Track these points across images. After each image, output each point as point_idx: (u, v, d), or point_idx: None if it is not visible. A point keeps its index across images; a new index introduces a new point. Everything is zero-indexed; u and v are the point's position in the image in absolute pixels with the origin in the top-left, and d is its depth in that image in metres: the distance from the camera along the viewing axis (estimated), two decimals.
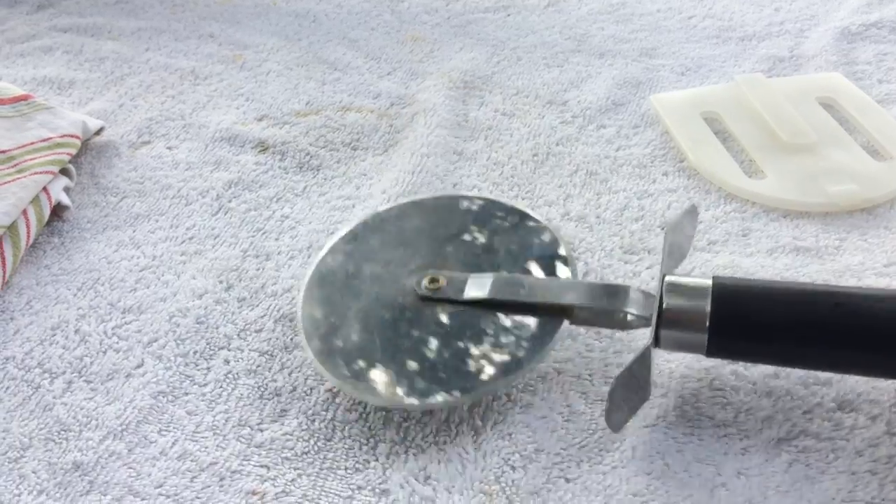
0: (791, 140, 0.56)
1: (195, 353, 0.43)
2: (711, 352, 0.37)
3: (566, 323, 0.40)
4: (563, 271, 0.43)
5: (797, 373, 0.40)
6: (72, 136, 0.56)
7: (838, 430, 0.37)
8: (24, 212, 0.49)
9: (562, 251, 0.44)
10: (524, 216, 0.47)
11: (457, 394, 0.38)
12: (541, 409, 0.39)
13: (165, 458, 0.38)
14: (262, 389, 0.41)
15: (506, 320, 0.40)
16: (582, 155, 0.57)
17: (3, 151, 0.53)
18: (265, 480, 0.37)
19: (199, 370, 0.42)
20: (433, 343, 0.40)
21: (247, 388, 0.41)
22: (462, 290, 0.42)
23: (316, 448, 0.38)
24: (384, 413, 0.39)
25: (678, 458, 0.37)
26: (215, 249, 0.50)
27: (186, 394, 0.41)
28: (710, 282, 0.37)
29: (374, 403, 0.39)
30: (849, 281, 0.45)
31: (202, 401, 0.40)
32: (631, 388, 0.36)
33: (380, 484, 0.36)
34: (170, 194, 0.55)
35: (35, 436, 0.39)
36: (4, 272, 0.47)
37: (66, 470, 0.37)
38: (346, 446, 0.38)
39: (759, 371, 0.40)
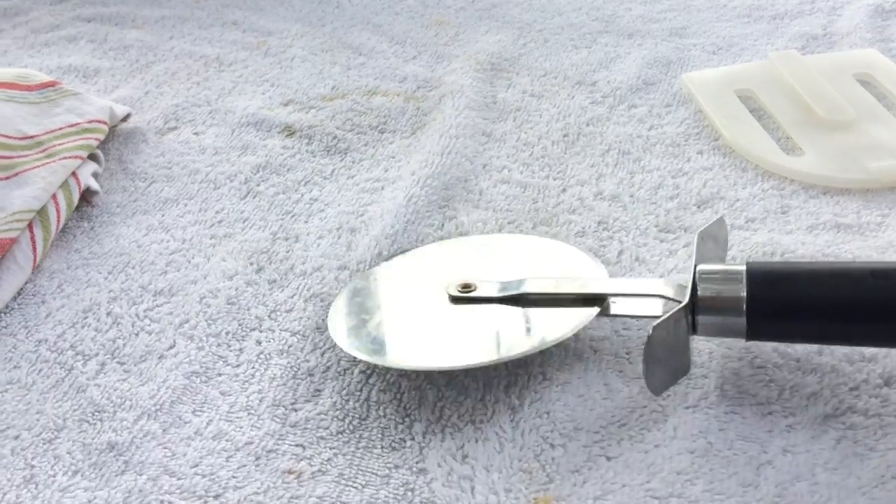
0: (829, 116, 0.54)
1: (227, 333, 0.43)
2: (752, 335, 0.36)
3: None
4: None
5: (842, 349, 0.39)
6: (99, 121, 0.56)
7: (886, 406, 0.36)
8: (54, 196, 0.49)
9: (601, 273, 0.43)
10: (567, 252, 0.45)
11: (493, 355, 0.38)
12: (578, 388, 0.38)
13: (200, 437, 0.37)
14: (296, 369, 0.40)
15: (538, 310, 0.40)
16: (613, 134, 0.56)
17: (32, 136, 0.53)
18: (301, 460, 0.36)
19: (231, 351, 0.42)
20: (466, 327, 0.40)
21: (280, 368, 0.41)
22: (492, 290, 0.41)
23: (351, 427, 0.37)
24: (418, 392, 0.39)
25: (721, 436, 0.36)
26: (245, 232, 0.50)
27: (220, 374, 0.40)
28: (743, 267, 0.37)
29: (409, 367, 0.39)
30: (892, 257, 0.44)
31: (235, 381, 0.40)
32: (669, 347, 0.36)
33: (417, 463, 0.36)
34: (198, 179, 0.54)
35: (69, 417, 0.39)
36: (35, 256, 0.47)
37: (100, 450, 0.37)
38: (382, 426, 0.37)
39: (803, 348, 0.39)
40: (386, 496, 0.35)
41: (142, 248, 0.49)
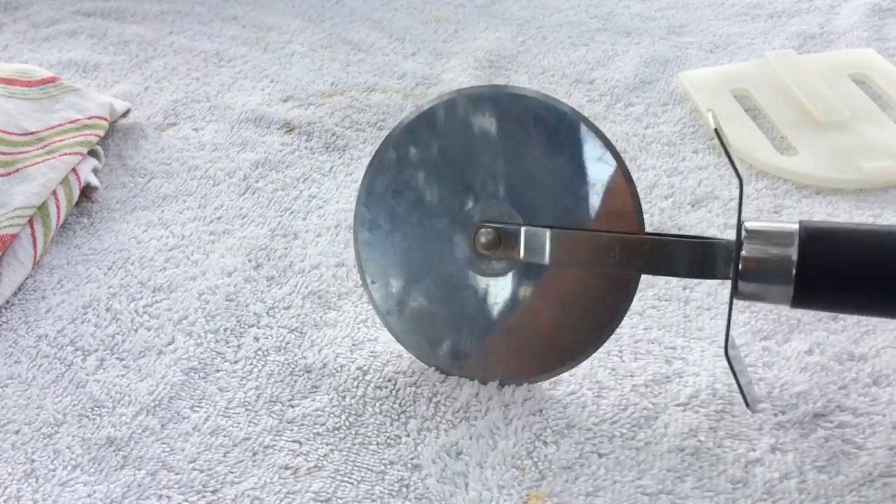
0: (824, 116, 0.55)
1: (225, 330, 0.43)
2: (797, 303, 0.33)
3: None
4: (622, 199, 0.37)
5: (832, 348, 0.39)
6: (99, 117, 0.56)
7: (874, 405, 0.37)
8: (54, 192, 0.50)
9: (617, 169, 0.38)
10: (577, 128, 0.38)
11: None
12: (570, 385, 0.39)
13: (198, 433, 0.38)
14: (293, 366, 0.41)
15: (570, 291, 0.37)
16: (610, 133, 0.56)
17: (32, 133, 0.53)
18: (298, 455, 0.37)
19: (229, 347, 0.42)
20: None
21: (277, 364, 0.41)
22: (516, 246, 0.37)
23: (347, 423, 0.38)
24: (414, 389, 0.39)
25: (711, 434, 0.36)
26: (243, 229, 0.50)
27: (217, 370, 0.41)
28: (796, 226, 0.33)
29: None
30: None
31: (233, 377, 0.41)
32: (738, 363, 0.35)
33: (412, 459, 0.36)
34: (197, 175, 0.55)
35: (69, 412, 0.39)
36: (36, 252, 0.47)
37: (99, 445, 0.38)
38: (378, 422, 0.38)
39: (793, 347, 0.39)
40: (381, 492, 0.35)
41: (141, 244, 0.49)
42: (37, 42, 0.72)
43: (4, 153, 0.51)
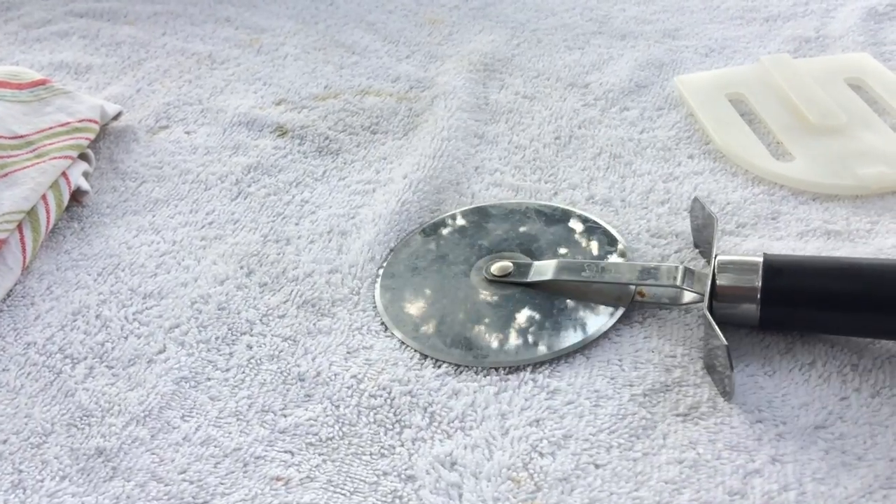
0: (819, 121, 0.54)
1: (217, 338, 0.43)
2: (764, 324, 0.39)
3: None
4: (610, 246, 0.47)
5: (833, 360, 0.39)
6: (90, 120, 0.55)
7: (875, 416, 0.36)
8: (44, 197, 0.49)
9: (621, 246, 0.47)
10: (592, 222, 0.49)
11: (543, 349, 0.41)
12: (567, 395, 0.38)
13: (189, 443, 0.37)
14: (286, 375, 0.40)
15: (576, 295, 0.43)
16: (605, 138, 0.56)
17: (22, 136, 0.52)
18: (289, 466, 0.36)
19: (221, 356, 0.42)
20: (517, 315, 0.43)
21: (270, 373, 0.41)
22: (527, 274, 0.44)
23: (341, 434, 0.37)
24: (409, 398, 0.39)
25: (710, 446, 0.36)
26: (235, 234, 0.49)
27: (209, 379, 0.40)
28: (760, 258, 0.39)
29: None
30: None
31: (225, 386, 0.40)
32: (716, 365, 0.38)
33: (405, 470, 0.36)
34: (189, 179, 0.54)
35: (57, 421, 0.39)
36: (25, 257, 0.47)
37: (88, 456, 0.37)
38: (372, 432, 0.37)
39: (795, 358, 0.39)
40: (374, 503, 0.35)
41: (132, 249, 0.48)
42: (28, 43, 0.71)
43: None
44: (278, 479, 0.36)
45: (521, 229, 0.48)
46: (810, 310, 0.39)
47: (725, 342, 0.36)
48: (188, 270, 0.47)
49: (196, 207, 0.52)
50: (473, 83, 0.62)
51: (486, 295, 0.44)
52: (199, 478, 0.36)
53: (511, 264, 0.44)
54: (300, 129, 0.58)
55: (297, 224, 0.50)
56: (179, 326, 0.43)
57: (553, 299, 0.43)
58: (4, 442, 0.38)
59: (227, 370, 0.41)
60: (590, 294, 0.43)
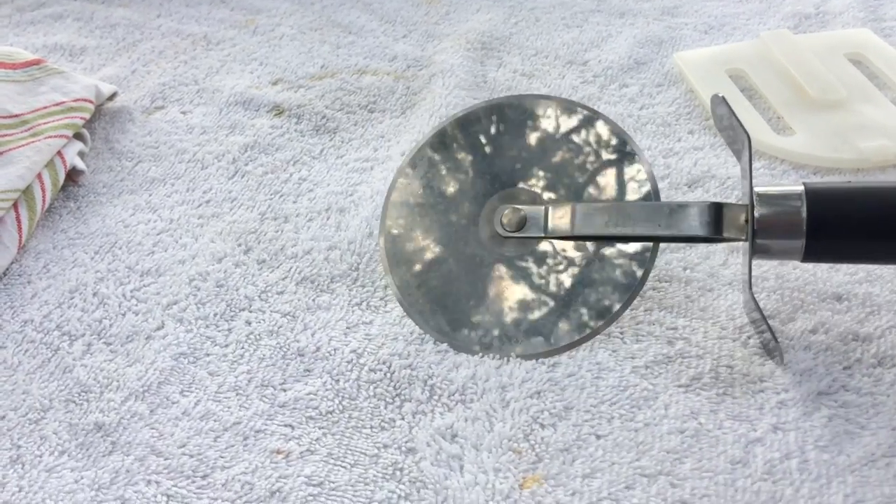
0: (820, 96, 0.54)
1: (216, 314, 0.42)
2: (808, 256, 0.36)
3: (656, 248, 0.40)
4: (643, 182, 0.41)
5: (836, 328, 0.39)
6: (85, 100, 0.55)
7: (878, 385, 0.36)
8: (39, 176, 0.48)
9: (637, 155, 0.42)
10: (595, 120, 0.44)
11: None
12: (569, 367, 0.38)
13: (188, 418, 0.37)
14: (285, 350, 0.40)
15: (591, 266, 0.40)
16: (605, 114, 0.55)
17: (17, 115, 0.52)
18: (289, 440, 0.36)
19: (219, 331, 0.41)
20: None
21: (269, 348, 0.40)
22: (541, 224, 0.40)
23: (341, 407, 0.37)
24: (409, 371, 0.38)
25: (712, 416, 0.36)
26: (233, 212, 0.49)
27: (208, 355, 0.40)
28: (801, 187, 0.36)
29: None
30: None
31: (224, 361, 0.40)
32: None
33: (406, 442, 0.36)
34: (185, 158, 0.54)
35: (55, 397, 0.38)
36: (21, 236, 0.46)
37: (87, 431, 0.37)
38: (372, 405, 0.37)
39: (797, 326, 0.39)
40: (374, 475, 0.34)
41: (128, 228, 0.48)
42: (22, 26, 0.71)
43: None
44: (278, 452, 0.36)
45: (537, 145, 0.43)
46: (857, 238, 0.36)
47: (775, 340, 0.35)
48: (186, 248, 0.46)
49: (193, 186, 0.51)
50: (471, 62, 0.62)
51: (494, 262, 0.40)
52: (198, 451, 0.36)
53: (523, 214, 0.41)
54: (297, 108, 0.58)
55: (294, 202, 0.50)
56: (178, 303, 0.43)
57: (568, 263, 0.40)
58: (2, 418, 0.38)
59: (226, 346, 0.41)
60: (609, 251, 0.40)
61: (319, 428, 0.36)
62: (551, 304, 0.39)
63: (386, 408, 0.37)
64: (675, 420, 0.36)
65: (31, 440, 0.37)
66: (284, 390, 0.38)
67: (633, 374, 0.38)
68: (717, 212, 0.37)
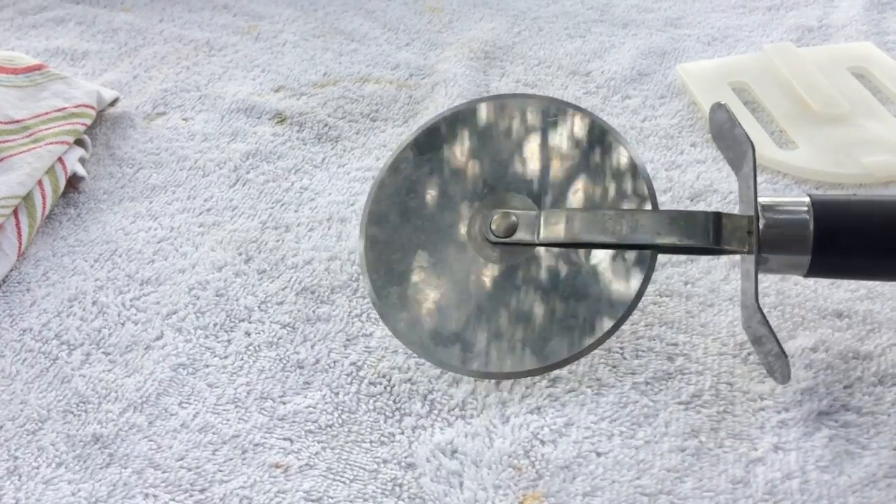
0: (823, 110, 0.54)
1: (215, 325, 0.42)
2: (812, 272, 0.35)
3: (656, 258, 0.38)
4: (640, 188, 0.39)
5: (837, 346, 0.38)
6: (87, 106, 0.55)
7: (879, 405, 0.36)
8: (40, 182, 0.48)
9: (632, 160, 0.40)
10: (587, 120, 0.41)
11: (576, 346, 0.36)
12: (569, 383, 0.38)
13: (187, 430, 0.37)
14: (285, 362, 0.40)
15: (585, 277, 0.37)
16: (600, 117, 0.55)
17: (18, 121, 0.52)
18: (288, 453, 0.36)
19: (219, 342, 0.41)
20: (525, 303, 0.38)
21: (268, 360, 0.40)
22: (534, 229, 0.38)
23: (340, 421, 0.37)
24: (409, 385, 0.38)
25: (712, 435, 0.36)
26: (234, 221, 0.49)
27: (207, 366, 0.40)
28: (807, 199, 0.35)
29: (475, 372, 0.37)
30: None
31: (223, 373, 0.40)
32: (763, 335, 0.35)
33: (406, 458, 0.35)
34: (186, 165, 0.54)
35: (53, 408, 0.38)
36: (21, 243, 0.46)
37: (85, 442, 0.37)
38: (371, 419, 0.37)
39: (798, 344, 0.39)
40: (374, 491, 0.34)
41: (129, 235, 0.48)
42: (24, 29, 0.71)
43: None
44: (277, 465, 0.35)
45: (530, 149, 0.40)
46: (864, 254, 0.35)
47: (781, 349, 0.33)
48: (186, 257, 0.46)
49: (194, 194, 0.51)
50: (474, 71, 0.62)
51: (487, 269, 0.38)
52: (197, 464, 0.35)
53: (515, 218, 0.38)
54: (299, 115, 0.58)
55: (296, 211, 0.50)
56: (177, 313, 0.43)
57: (561, 273, 0.37)
58: (0, 428, 0.37)
59: (226, 357, 0.40)
60: (604, 263, 0.37)
61: (318, 442, 0.36)
62: (543, 317, 0.37)
63: (386, 422, 0.37)
64: (676, 438, 0.35)
65: (29, 451, 0.36)
66: (284, 403, 0.38)
67: (634, 390, 0.38)
68: (718, 222, 0.36)
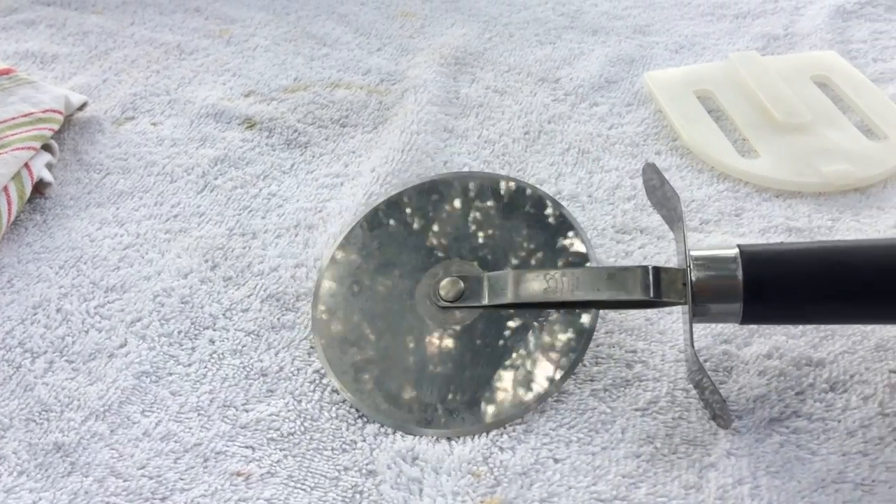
0: (785, 119, 0.55)
1: (179, 332, 0.42)
2: (746, 319, 0.36)
3: (593, 328, 0.39)
4: (577, 246, 0.42)
5: (790, 353, 0.39)
6: (54, 111, 0.55)
7: (830, 411, 0.37)
8: (5, 188, 0.48)
9: (570, 223, 0.43)
10: (524, 192, 0.45)
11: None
12: None
13: (149, 438, 0.37)
14: (248, 370, 0.40)
15: (533, 332, 0.39)
16: (574, 133, 0.56)
17: None
18: (250, 461, 0.36)
19: (183, 350, 0.41)
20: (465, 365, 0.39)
21: (232, 368, 0.40)
22: (480, 293, 0.40)
23: (302, 429, 0.37)
24: None
25: (667, 441, 0.36)
26: (200, 227, 0.49)
27: (170, 374, 0.40)
28: (735, 251, 0.36)
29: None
30: None
31: (186, 381, 0.40)
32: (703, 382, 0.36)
33: (367, 465, 0.36)
34: (154, 171, 0.54)
35: (15, 416, 0.38)
36: None
37: (46, 451, 0.37)
38: (334, 427, 0.38)
39: (752, 351, 0.40)
40: (334, 498, 0.35)
41: (95, 242, 0.48)
42: None
43: None
44: (239, 473, 0.36)
45: (471, 219, 0.43)
46: (795, 300, 0.36)
47: (721, 396, 0.35)
48: (151, 264, 0.46)
49: (161, 200, 0.51)
50: (444, 77, 0.62)
51: (435, 334, 0.39)
52: (158, 473, 0.36)
53: (462, 284, 0.40)
54: (269, 121, 0.58)
55: (263, 217, 0.50)
56: (141, 320, 0.43)
57: (509, 332, 0.39)
58: None
59: (189, 365, 0.41)
60: (548, 323, 0.39)
61: (280, 450, 0.37)
62: (494, 375, 0.38)
63: (348, 429, 0.37)
64: (632, 444, 0.36)
65: None
66: (246, 411, 0.38)
67: (592, 397, 0.38)
68: (656, 275, 0.37)
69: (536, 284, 0.39)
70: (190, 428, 0.38)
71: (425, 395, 0.38)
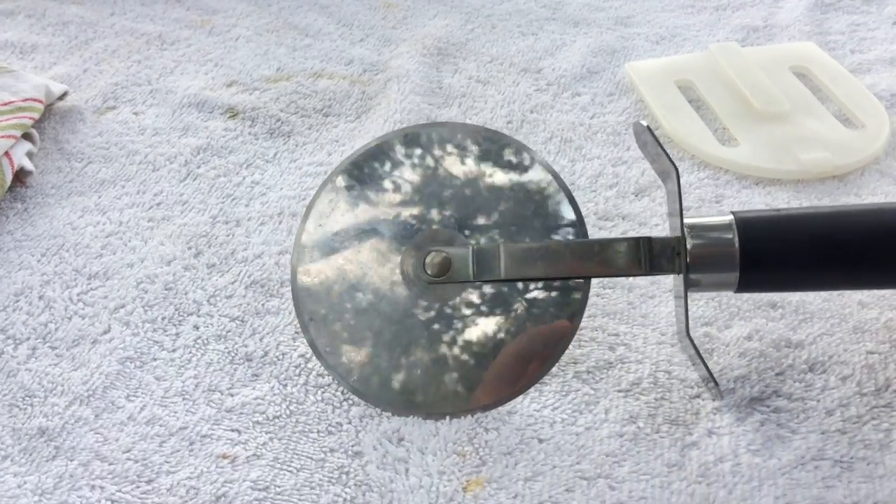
0: (764, 108, 0.56)
1: (163, 319, 0.42)
2: (742, 288, 0.36)
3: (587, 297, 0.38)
4: (566, 211, 0.39)
5: (770, 335, 0.40)
6: (35, 99, 0.54)
7: (809, 391, 0.37)
8: None
9: (560, 187, 0.39)
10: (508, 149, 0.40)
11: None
12: None
13: (133, 423, 0.37)
14: (233, 354, 0.40)
15: (523, 310, 0.37)
16: (556, 122, 0.56)
17: None
18: (236, 444, 0.36)
19: (167, 336, 0.41)
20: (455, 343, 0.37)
21: (217, 353, 0.40)
22: (468, 267, 0.37)
23: (288, 412, 0.38)
24: None
25: (650, 420, 0.37)
26: (183, 215, 0.49)
27: (154, 359, 0.40)
28: (730, 217, 0.36)
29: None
30: None
31: (171, 366, 0.40)
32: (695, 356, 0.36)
33: (353, 446, 0.36)
34: (136, 160, 0.53)
35: None
36: None
37: (31, 435, 0.37)
38: (319, 410, 0.38)
39: (733, 333, 0.40)
40: (320, 479, 0.35)
41: (77, 230, 0.48)
42: None
43: None
44: (224, 456, 0.36)
45: (458, 180, 0.39)
46: (791, 268, 0.36)
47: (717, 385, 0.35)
48: (134, 251, 0.46)
49: (143, 188, 0.51)
50: (427, 67, 0.62)
51: (421, 309, 0.38)
52: (143, 456, 0.36)
53: (448, 258, 0.37)
54: (251, 110, 0.58)
55: (247, 205, 0.50)
56: (125, 307, 0.43)
57: (498, 309, 0.38)
58: None
59: (174, 350, 0.41)
60: (539, 299, 0.38)
61: (266, 433, 0.37)
62: (482, 354, 0.37)
63: (333, 412, 0.38)
64: (615, 424, 0.37)
65: None
66: (232, 395, 0.38)
67: (576, 378, 0.39)
68: (648, 245, 0.36)
69: (527, 258, 0.37)
70: (175, 412, 0.37)
71: (411, 375, 0.37)
